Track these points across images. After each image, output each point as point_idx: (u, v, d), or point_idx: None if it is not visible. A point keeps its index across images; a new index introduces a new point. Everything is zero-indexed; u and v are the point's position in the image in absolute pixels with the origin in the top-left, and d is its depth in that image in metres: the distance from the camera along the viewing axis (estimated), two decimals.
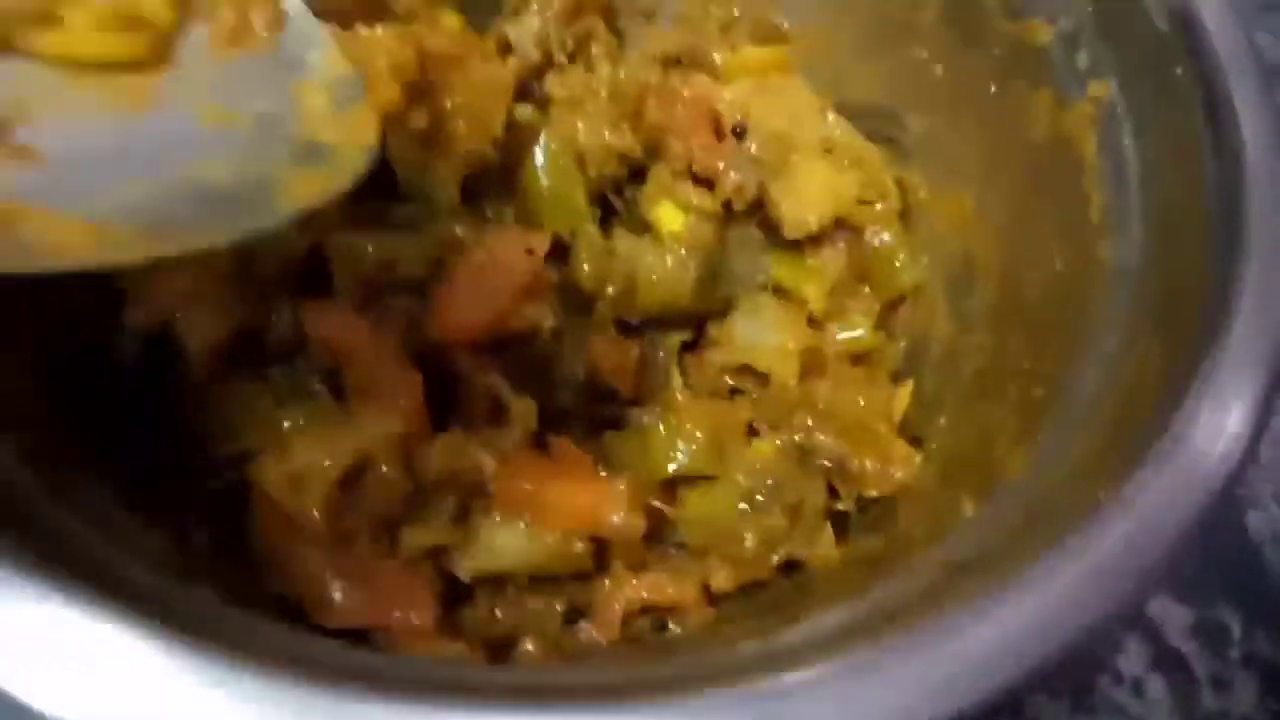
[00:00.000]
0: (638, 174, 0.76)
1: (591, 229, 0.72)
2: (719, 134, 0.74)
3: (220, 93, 0.46)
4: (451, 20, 0.76)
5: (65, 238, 0.39)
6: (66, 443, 0.53)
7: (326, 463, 0.56)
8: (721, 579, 0.63)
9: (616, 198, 0.76)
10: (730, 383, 0.70)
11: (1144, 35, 0.57)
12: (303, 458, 0.56)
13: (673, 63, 0.76)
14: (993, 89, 0.66)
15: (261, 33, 0.47)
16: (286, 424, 0.59)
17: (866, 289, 0.74)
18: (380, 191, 0.68)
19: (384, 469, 0.58)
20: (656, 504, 0.63)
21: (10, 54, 0.42)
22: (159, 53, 0.45)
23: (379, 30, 0.63)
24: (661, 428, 0.65)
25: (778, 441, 0.64)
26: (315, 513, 0.55)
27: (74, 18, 0.43)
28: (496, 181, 0.73)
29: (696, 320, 0.73)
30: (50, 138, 0.42)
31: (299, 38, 0.49)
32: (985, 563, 0.42)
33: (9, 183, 0.40)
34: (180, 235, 0.42)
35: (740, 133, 0.72)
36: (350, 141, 0.48)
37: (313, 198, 0.46)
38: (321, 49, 0.50)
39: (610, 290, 0.70)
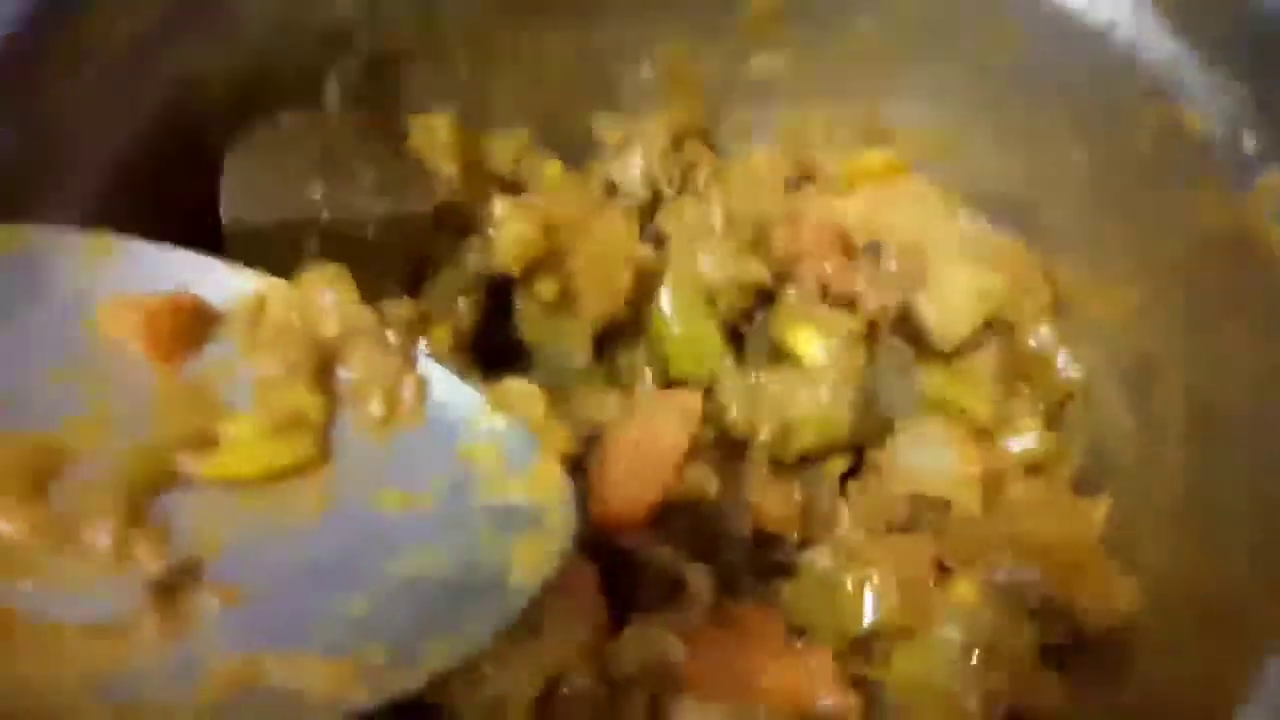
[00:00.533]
0: (765, 300, 0.73)
1: (731, 367, 0.69)
2: (849, 252, 0.71)
3: (389, 476, 0.43)
4: (553, 168, 0.74)
5: (317, 680, 0.36)
6: None
7: (524, 685, 0.53)
8: None
9: (746, 324, 0.73)
10: (904, 515, 0.66)
11: None
12: (497, 682, 0.53)
13: (791, 184, 0.73)
14: (1145, 174, 0.62)
15: (409, 404, 0.45)
16: None
17: (1027, 391, 0.70)
18: (504, 359, 0.67)
19: (576, 680, 0.55)
20: (860, 672, 0.59)
21: (175, 484, 0.40)
22: (319, 452, 0.42)
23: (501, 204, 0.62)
24: (849, 582, 0.61)
25: (976, 581, 0.60)
26: None
27: (232, 432, 0.40)
28: (623, 330, 0.71)
29: (854, 448, 0.69)
30: (242, 569, 0.39)
31: (446, 401, 0.47)
32: None
33: (221, 629, 0.37)
34: (436, 645, 0.40)
35: (877, 252, 0.69)
36: (546, 497, 0.45)
37: (542, 565, 0.44)
38: (471, 404, 0.47)
39: (764, 433, 0.66)
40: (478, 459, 0.45)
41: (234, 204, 0.54)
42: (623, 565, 0.61)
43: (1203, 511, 0.57)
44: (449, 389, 0.47)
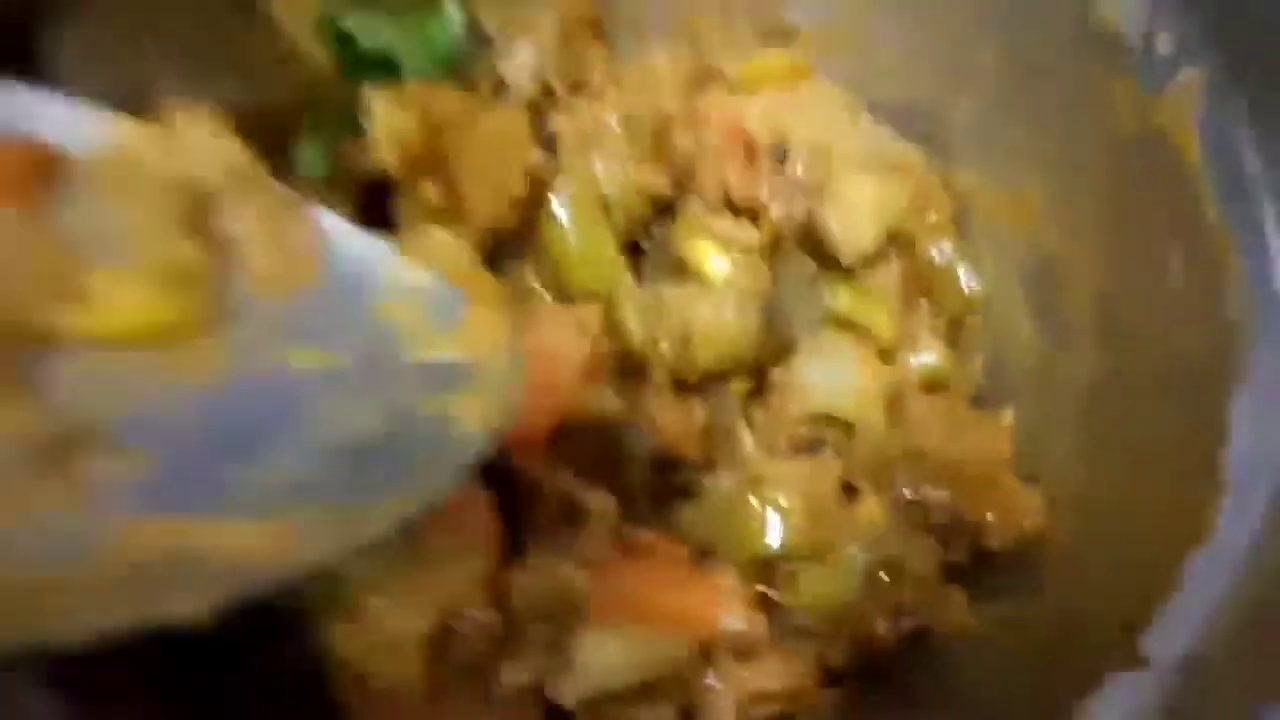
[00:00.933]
0: (663, 210, 0.69)
1: (630, 283, 0.65)
2: (752, 156, 0.67)
3: (296, 335, 0.38)
4: None
5: (253, 541, 0.34)
6: None
7: (414, 623, 0.49)
8: (840, 656, 0.58)
9: (645, 237, 0.69)
10: (808, 434, 0.64)
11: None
12: (389, 620, 0.48)
13: (690, 83, 0.68)
14: (1055, 75, 0.60)
15: (305, 258, 0.39)
16: (355, 574, 0.52)
17: (928, 306, 0.68)
18: None
19: (473, 614, 0.51)
20: (766, 591, 0.57)
21: (58, 347, 0.34)
22: (209, 310, 0.37)
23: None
24: (752, 499, 0.59)
25: (882, 501, 0.59)
26: (413, 681, 0.49)
27: (106, 287, 0.34)
28: (514, 240, 0.66)
29: (757, 368, 0.67)
30: (146, 435, 0.35)
31: (350, 255, 0.42)
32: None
33: (127, 495, 0.34)
34: (386, 500, 0.37)
35: (781, 156, 0.65)
36: (482, 350, 0.42)
37: (489, 418, 0.41)
38: (379, 258, 0.43)
39: (664, 349, 0.63)
40: (398, 316, 0.42)
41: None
42: (519, 490, 0.57)
43: (1109, 420, 0.57)
44: (352, 243, 0.43)
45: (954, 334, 0.68)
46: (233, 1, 0.52)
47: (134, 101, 0.46)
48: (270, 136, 0.53)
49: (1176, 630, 0.42)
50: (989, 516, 0.57)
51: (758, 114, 0.67)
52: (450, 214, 0.60)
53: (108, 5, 0.48)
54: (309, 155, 0.56)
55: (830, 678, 0.58)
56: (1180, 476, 0.49)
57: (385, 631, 0.48)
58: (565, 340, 0.57)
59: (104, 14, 0.48)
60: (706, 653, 0.58)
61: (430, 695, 0.50)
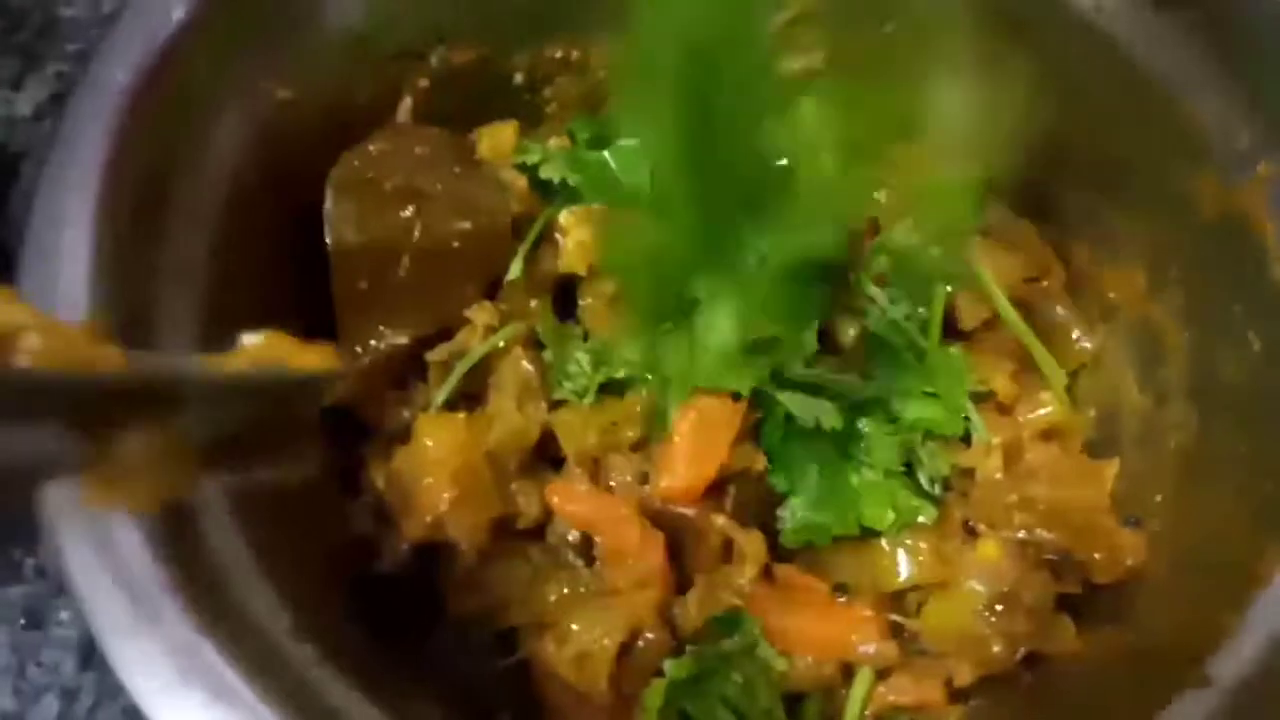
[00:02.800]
0: None
1: None
2: None
3: None
4: None
5: None
6: (381, 662, 0.59)
7: (605, 641, 0.61)
8: (964, 675, 0.67)
9: None
10: None
11: None
12: (583, 638, 0.61)
13: None
14: (1144, 169, 0.68)
15: None
16: (552, 597, 0.65)
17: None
18: None
19: (650, 635, 0.63)
20: (899, 619, 0.67)
21: None
22: None
23: None
24: (884, 541, 0.69)
25: (999, 540, 0.68)
26: (601, 686, 0.61)
27: None
28: None
29: None
30: None
31: None
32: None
33: None
34: None
35: None
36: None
37: None
38: None
39: None
40: None
41: (339, 229, 0.61)
42: (685, 534, 0.69)
43: (1199, 472, 0.64)
44: None
45: (1069, 389, 0.76)
46: (458, 155, 0.67)
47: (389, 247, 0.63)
48: (490, 255, 0.68)
49: (1238, 657, 0.50)
50: (1096, 556, 0.65)
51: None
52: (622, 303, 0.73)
53: (371, 165, 0.64)
54: (514, 264, 0.69)
55: (955, 693, 0.68)
56: (1253, 526, 0.56)
57: (582, 645, 0.61)
58: (723, 404, 0.68)
59: (368, 173, 0.64)
60: (847, 671, 0.69)
61: (618, 703, 0.63)
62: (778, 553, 0.69)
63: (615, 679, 0.62)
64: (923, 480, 0.70)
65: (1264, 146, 0.62)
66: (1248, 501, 0.59)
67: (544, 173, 0.73)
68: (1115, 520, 0.67)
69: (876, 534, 0.69)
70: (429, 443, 0.63)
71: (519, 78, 0.81)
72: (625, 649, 0.62)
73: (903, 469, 0.69)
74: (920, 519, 0.67)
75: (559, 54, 0.79)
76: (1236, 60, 0.63)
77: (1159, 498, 0.67)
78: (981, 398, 0.73)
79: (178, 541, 0.49)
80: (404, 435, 0.66)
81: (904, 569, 0.68)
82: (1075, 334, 0.76)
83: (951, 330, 0.75)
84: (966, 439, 0.71)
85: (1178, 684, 0.51)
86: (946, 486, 0.71)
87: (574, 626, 0.62)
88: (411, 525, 0.63)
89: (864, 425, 0.70)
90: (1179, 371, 0.68)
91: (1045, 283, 0.77)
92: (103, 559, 0.46)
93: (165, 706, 0.44)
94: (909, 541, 0.69)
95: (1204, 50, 0.64)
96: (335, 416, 0.65)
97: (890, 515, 0.67)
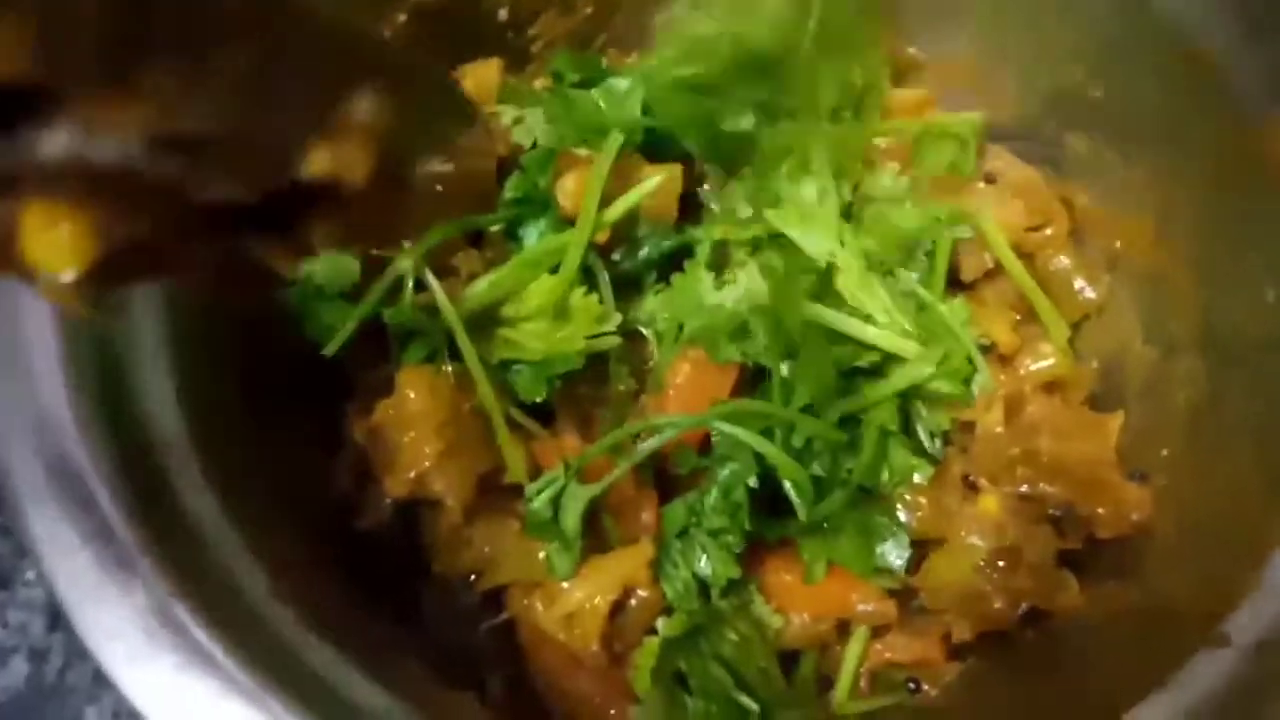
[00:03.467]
0: None
1: None
2: None
3: None
4: None
5: None
6: (364, 623, 0.57)
7: (597, 600, 0.59)
8: (963, 632, 0.66)
9: None
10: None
11: None
12: (574, 596, 0.59)
13: None
14: (1158, 110, 0.65)
15: None
16: (541, 555, 0.63)
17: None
18: None
19: (642, 593, 0.61)
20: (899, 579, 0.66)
21: None
22: None
23: None
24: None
25: (1000, 495, 0.66)
26: (593, 645, 0.59)
27: None
28: None
29: None
30: None
31: None
32: None
33: None
34: None
35: None
36: None
37: None
38: None
39: None
40: None
41: None
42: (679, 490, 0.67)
43: (1210, 427, 0.63)
44: None
45: (1071, 340, 0.74)
46: None
47: None
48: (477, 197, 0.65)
49: (1257, 617, 0.49)
50: (1100, 510, 0.64)
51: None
52: None
53: None
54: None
55: (954, 650, 0.66)
56: (1268, 481, 0.54)
57: (572, 605, 0.59)
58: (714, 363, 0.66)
59: None
60: (844, 628, 0.67)
61: (610, 662, 0.61)
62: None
63: (607, 638, 0.60)
64: (921, 434, 0.68)
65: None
66: (1259, 458, 0.57)
67: (517, 136, 0.69)
68: (1120, 474, 0.65)
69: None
70: (411, 394, 0.60)
71: (503, 14, 0.77)
72: (617, 608, 0.60)
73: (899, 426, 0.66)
74: (916, 478, 0.65)
75: None
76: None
77: (1165, 453, 0.65)
78: (982, 350, 0.71)
79: (147, 500, 0.46)
80: (386, 388, 0.63)
81: (904, 523, 0.67)
82: (1079, 284, 0.74)
83: (953, 281, 0.73)
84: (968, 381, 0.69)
85: (1189, 644, 0.49)
86: (946, 440, 0.69)
87: (564, 585, 0.60)
88: (394, 482, 0.60)
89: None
90: (1188, 323, 0.66)
91: (1049, 230, 0.74)
92: (67, 519, 0.44)
93: (134, 672, 0.42)
94: (908, 496, 0.67)
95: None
96: (313, 370, 0.62)
97: (885, 474, 0.65)
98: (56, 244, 0.35)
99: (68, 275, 0.33)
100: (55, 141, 0.31)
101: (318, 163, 0.36)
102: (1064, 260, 0.74)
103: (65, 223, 0.35)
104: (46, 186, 0.31)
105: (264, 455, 0.57)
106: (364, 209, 0.38)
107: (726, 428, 0.60)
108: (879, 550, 0.64)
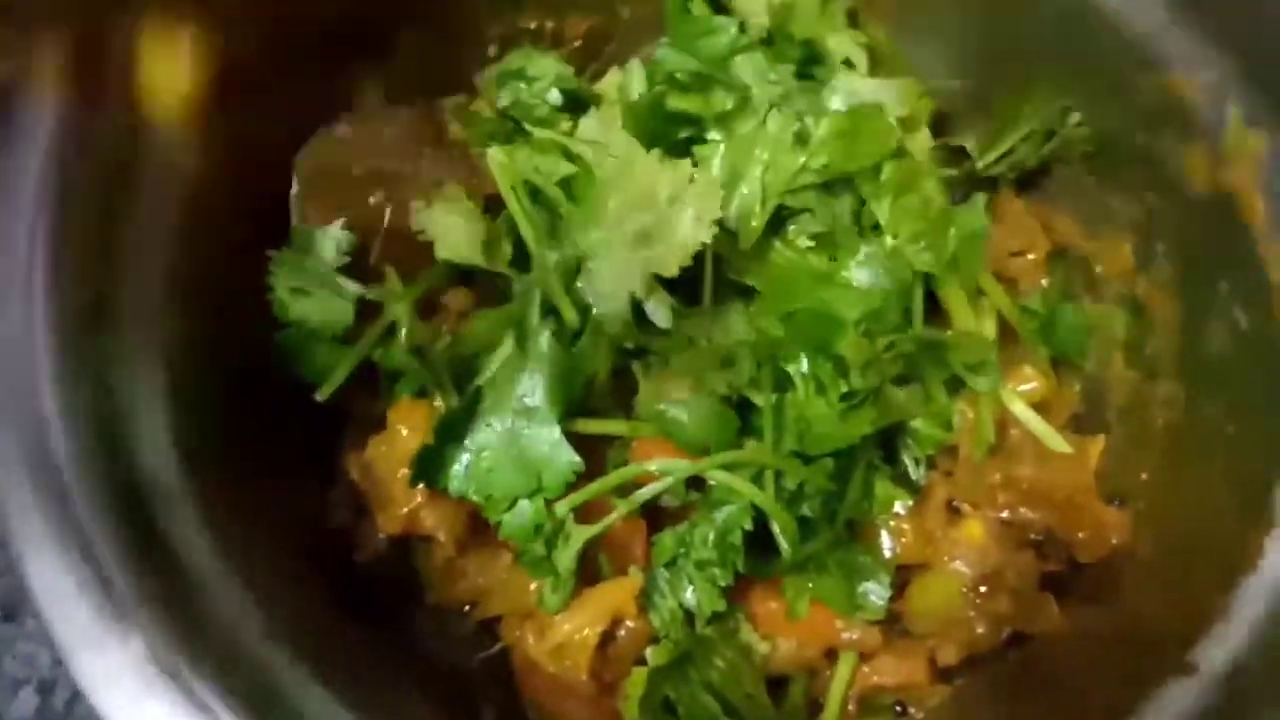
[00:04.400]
0: None
1: None
2: None
3: None
4: None
5: None
6: (360, 656, 0.58)
7: (586, 631, 0.61)
8: (948, 656, 0.67)
9: None
10: None
11: None
12: (564, 627, 0.61)
13: None
14: (1138, 141, 0.67)
15: None
16: (532, 586, 0.64)
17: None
18: None
19: (630, 623, 0.62)
20: None
21: None
22: None
23: None
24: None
25: (983, 520, 0.67)
26: (583, 675, 0.61)
27: None
28: None
29: None
30: None
31: None
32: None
33: None
34: None
35: None
36: None
37: None
38: None
39: None
40: None
41: (306, 215, 0.59)
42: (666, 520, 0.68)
43: (1188, 452, 0.64)
44: None
45: (1054, 366, 0.75)
46: (429, 136, 0.65)
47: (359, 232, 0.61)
48: None
49: (1225, 644, 0.50)
50: (1080, 534, 0.65)
51: None
52: None
53: (338, 148, 0.62)
54: None
55: (939, 673, 0.67)
56: (1241, 508, 0.56)
57: (562, 635, 0.61)
58: None
59: (336, 157, 0.61)
60: (831, 652, 0.68)
61: (600, 691, 0.62)
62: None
63: (597, 668, 0.61)
64: (906, 461, 0.69)
65: (1252, 120, 0.60)
66: (1234, 483, 0.58)
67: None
68: (1100, 499, 0.66)
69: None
70: (403, 431, 0.62)
71: (493, 50, 0.79)
72: (607, 638, 0.62)
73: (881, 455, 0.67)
74: (898, 507, 0.66)
75: (533, 25, 0.77)
76: (1225, 30, 0.61)
77: (1144, 476, 0.66)
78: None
79: (144, 547, 0.48)
80: (379, 424, 0.64)
81: (886, 550, 0.68)
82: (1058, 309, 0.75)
83: (934, 308, 0.74)
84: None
85: (1165, 668, 0.51)
86: (930, 464, 0.71)
87: (555, 616, 0.61)
88: (387, 519, 0.62)
89: None
90: (1167, 347, 0.67)
91: (1030, 256, 0.76)
92: (65, 568, 0.45)
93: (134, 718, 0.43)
94: (892, 522, 0.68)
95: (1192, 20, 0.63)
96: (307, 407, 0.63)
97: (865, 505, 0.66)
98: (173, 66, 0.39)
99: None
100: None
101: None
102: (1044, 284, 0.75)
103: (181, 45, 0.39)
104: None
105: (260, 495, 0.59)
106: None
107: (723, 476, 0.62)
108: (860, 589, 0.65)
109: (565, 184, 0.66)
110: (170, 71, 0.40)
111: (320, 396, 0.62)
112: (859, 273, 0.68)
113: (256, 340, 0.62)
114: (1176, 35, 0.63)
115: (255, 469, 0.60)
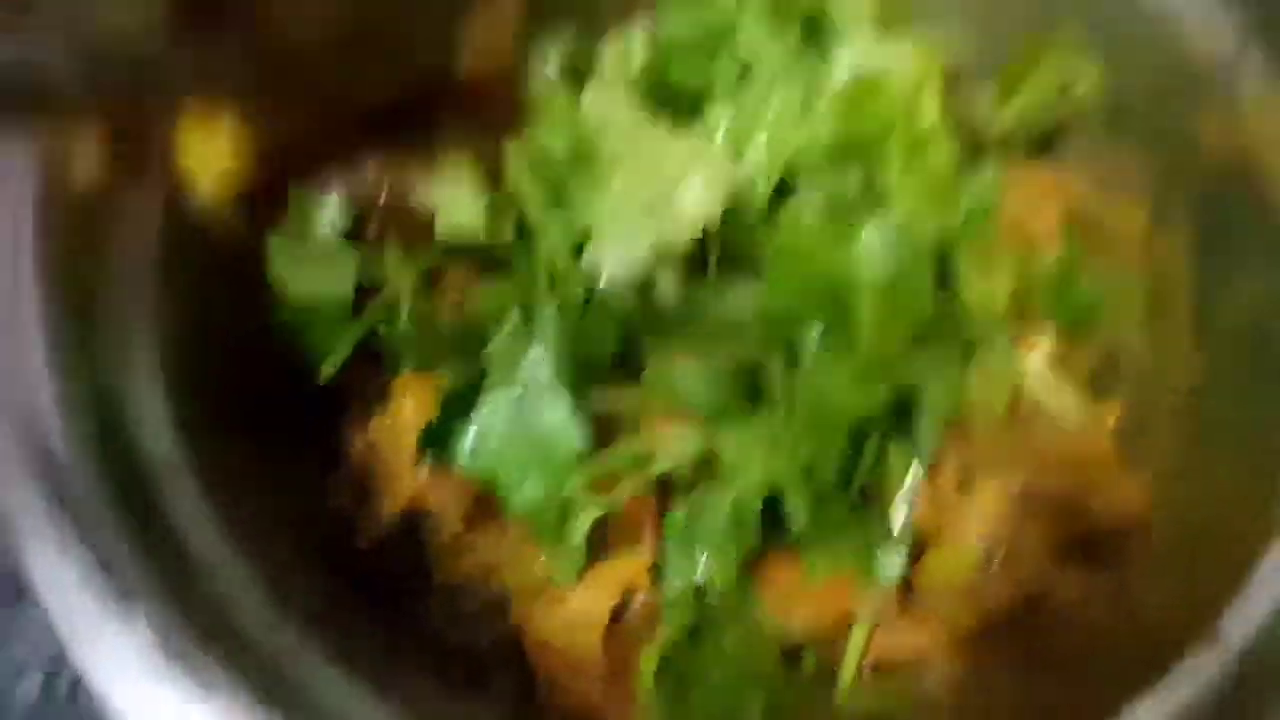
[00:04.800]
0: None
1: None
2: None
3: None
4: None
5: None
6: (368, 635, 0.58)
7: (597, 606, 0.60)
8: (964, 623, 0.66)
9: None
10: None
11: None
12: (574, 604, 0.60)
13: None
14: (1152, 106, 0.65)
15: None
16: (542, 559, 0.63)
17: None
18: None
19: (643, 597, 0.62)
20: None
21: None
22: None
23: None
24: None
25: (997, 489, 0.66)
26: (595, 651, 0.60)
27: None
28: None
29: None
30: None
31: None
32: None
33: None
34: None
35: None
36: None
37: None
38: None
39: None
40: None
41: None
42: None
43: (1206, 417, 0.63)
44: None
45: (1066, 333, 0.74)
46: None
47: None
48: None
49: (1249, 616, 0.49)
50: (1097, 502, 0.64)
51: None
52: None
53: None
54: None
55: (955, 643, 0.67)
56: (1263, 476, 0.55)
57: (573, 611, 0.60)
58: None
59: None
60: (844, 621, 0.68)
61: (613, 670, 0.62)
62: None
63: (609, 645, 0.60)
64: (919, 428, 0.68)
65: (1270, 81, 0.59)
66: (1251, 452, 0.57)
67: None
68: (1116, 466, 0.65)
69: None
70: (408, 406, 0.61)
71: None
72: (619, 614, 0.61)
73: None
74: (911, 476, 0.66)
75: None
76: None
77: (1162, 444, 0.65)
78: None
79: (146, 531, 0.47)
80: (382, 400, 0.63)
81: (901, 518, 0.67)
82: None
83: (945, 276, 0.73)
84: None
85: (1185, 639, 0.50)
86: (944, 433, 0.69)
87: (567, 589, 0.60)
88: (392, 497, 0.61)
89: None
90: (1185, 313, 0.66)
91: (1043, 221, 0.74)
92: (67, 557, 0.44)
93: (141, 708, 0.42)
94: (906, 491, 0.67)
95: None
96: (308, 385, 0.62)
97: (879, 474, 0.65)
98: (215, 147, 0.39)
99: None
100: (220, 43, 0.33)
101: None
102: (1057, 250, 0.74)
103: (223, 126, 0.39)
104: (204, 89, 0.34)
105: (263, 475, 0.58)
106: None
107: (735, 448, 0.60)
108: (876, 557, 0.64)
109: (570, 155, 0.65)
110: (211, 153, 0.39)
111: (322, 375, 0.61)
112: (871, 241, 0.67)
113: (256, 319, 0.61)
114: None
115: (258, 452, 0.58)
